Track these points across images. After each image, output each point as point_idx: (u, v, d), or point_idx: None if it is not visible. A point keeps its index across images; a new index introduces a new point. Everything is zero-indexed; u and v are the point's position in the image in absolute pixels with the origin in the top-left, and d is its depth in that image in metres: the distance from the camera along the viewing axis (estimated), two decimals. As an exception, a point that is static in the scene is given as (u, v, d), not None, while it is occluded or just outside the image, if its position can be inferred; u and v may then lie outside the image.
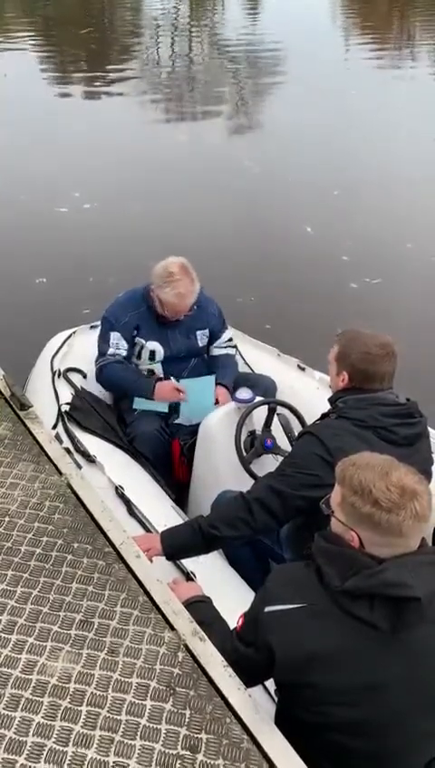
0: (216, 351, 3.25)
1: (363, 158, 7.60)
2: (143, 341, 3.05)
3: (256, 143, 8.50)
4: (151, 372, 3.10)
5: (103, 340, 3.09)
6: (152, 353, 3.07)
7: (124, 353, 3.06)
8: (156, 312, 3.04)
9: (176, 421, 3.07)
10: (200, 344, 3.16)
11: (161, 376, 3.11)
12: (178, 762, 1.46)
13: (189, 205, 6.47)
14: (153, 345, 3.06)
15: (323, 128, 8.46)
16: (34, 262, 5.54)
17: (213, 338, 3.21)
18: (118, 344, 3.05)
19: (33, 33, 14.40)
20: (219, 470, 2.78)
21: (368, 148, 7.85)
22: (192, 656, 1.67)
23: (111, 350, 3.05)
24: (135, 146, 8.07)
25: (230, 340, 3.29)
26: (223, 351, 3.25)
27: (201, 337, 3.16)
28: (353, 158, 7.68)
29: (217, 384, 3.08)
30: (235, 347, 3.31)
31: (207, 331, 3.16)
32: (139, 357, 3.09)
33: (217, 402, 3.02)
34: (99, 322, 3.36)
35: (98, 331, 3.19)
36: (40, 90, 10.63)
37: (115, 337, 3.05)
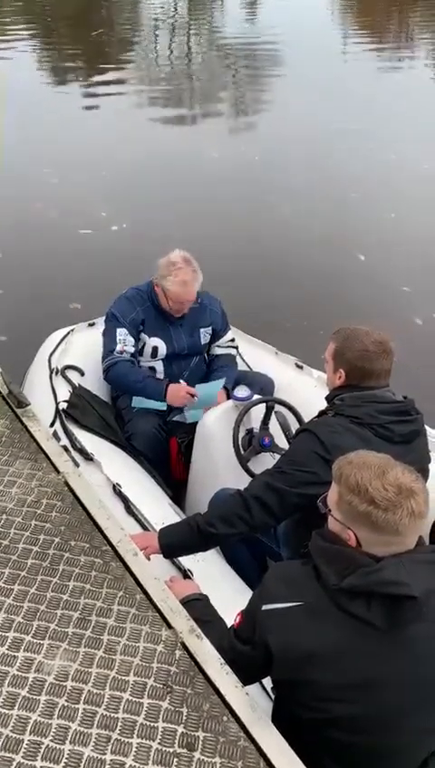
0: (218, 351, 3.24)
1: (420, 171, 7.12)
2: (146, 338, 3.05)
3: (298, 155, 7.75)
4: (152, 369, 3.10)
5: (110, 337, 3.04)
6: (155, 350, 3.06)
7: (132, 350, 3.02)
8: (160, 308, 3.04)
9: (174, 419, 3.07)
10: (203, 342, 3.16)
11: (162, 373, 3.10)
12: (175, 759, 1.46)
13: (231, 233, 5.96)
14: (156, 342, 3.06)
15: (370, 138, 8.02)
16: (68, 286, 5.15)
17: (215, 336, 3.21)
18: (125, 340, 3.00)
19: (41, 36, 14.13)
20: (217, 468, 2.78)
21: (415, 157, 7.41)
22: (189, 654, 1.67)
23: (118, 347, 3.00)
24: (166, 160, 7.59)
25: (232, 340, 3.29)
26: (225, 351, 3.25)
27: (204, 335, 3.15)
28: (407, 172, 7.21)
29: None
30: (236, 347, 3.31)
31: (210, 329, 3.17)
32: (141, 353, 3.08)
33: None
34: (96, 320, 3.36)
35: (95, 329, 3.18)
36: (58, 97, 10.32)
37: (122, 333, 3.00)
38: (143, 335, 3.05)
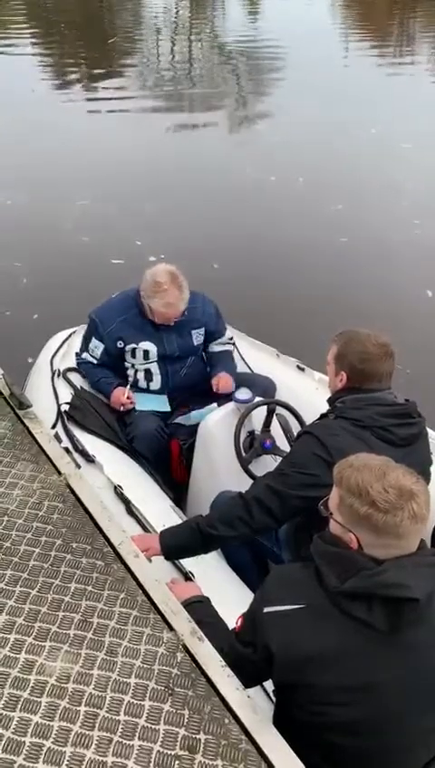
0: (216, 348, 3.25)
1: None
2: (134, 345, 3.06)
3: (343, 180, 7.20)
4: (148, 372, 3.11)
5: (84, 341, 3.18)
6: (146, 353, 3.07)
7: (95, 362, 3.13)
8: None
9: (175, 421, 3.07)
10: (195, 343, 3.16)
11: (158, 375, 3.11)
12: (177, 762, 1.46)
13: (283, 261, 5.57)
14: (146, 345, 3.06)
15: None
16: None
17: (210, 337, 3.21)
18: (94, 351, 3.12)
19: (54, 43, 13.92)
20: (218, 470, 2.78)
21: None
22: (191, 656, 1.66)
23: (84, 354, 3.17)
24: (202, 178, 7.23)
25: (231, 339, 3.30)
26: (222, 348, 3.26)
27: (196, 336, 3.15)
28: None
29: (219, 373, 3.10)
30: (233, 344, 3.32)
31: (202, 329, 3.16)
32: (133, 356, 3.09)
33: (217, 388, 3.05)
34: None
35: None
36: (78, 111, 9.90)
37: (94, 344, 3.12)
38: (131, 344, 3.06)
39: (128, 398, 3.03)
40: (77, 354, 3.21)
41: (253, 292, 5.00)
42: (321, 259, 5.65)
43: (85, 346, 3.16)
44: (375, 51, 13.34)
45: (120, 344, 3.06)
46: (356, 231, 6.07)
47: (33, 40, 14.13)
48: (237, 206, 6.61)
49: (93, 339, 3.11)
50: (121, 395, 3.04)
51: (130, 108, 9.84)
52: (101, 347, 3.09)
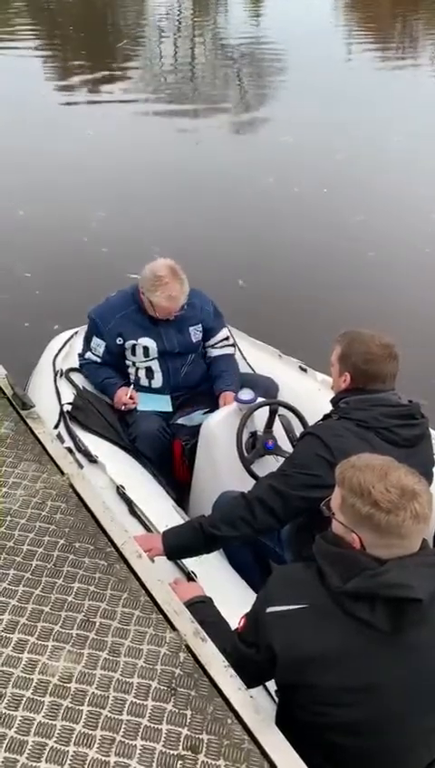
0: (214, 353, 3.23)
1: None
2: (134, 341, 3.06)
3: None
4: (149, 370, 3.11)
5: (86, 341, 3.19)
6: (146, 349, 3.07)
7: (99, 361, 3.13)
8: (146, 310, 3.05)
9: (177, 421, 3.07)
10: (194, 340, 3.15)
11: (159, 372, 3.11)
12: (180, 762, 1.46)
13: (313, 274, 5.37)
14: (146, 342, 3.06)
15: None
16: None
17: (208, 334, 3.19)
18: (96, 350, 3.12)
19: (63, 49, 13.67)
20: (220, 471, 2.78)
21: None
22: (193, 656, 1.67)
23: (87, 354, 3.17)
24: (222, 187, 6.93)
25: (226, 338, 3.26)
26: (221, 352, 3.23)
27: (194, 332, 3.14)
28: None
29: (223, 391, 3.07)
30: (233, 345, 3.29)
31: (200, 326, 3.15)
32: (134, 353, 3.09)
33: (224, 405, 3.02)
34: None
35: None
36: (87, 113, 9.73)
37: (96, 343, 3.12)
38: (130, 341, 3.06)
39: (130, 397, 3.04)
40: (80, 356, 3.21)
41: (281, 310, 4.83)
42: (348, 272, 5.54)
43: (87, 346, 3.17)
44: (390, 53, 13.22)
45: (119, 341, 3.06)
46: (384, 245, 5.90)
47: (39, 42, 14.03)
48: (256, 213, 6.45)
49: (94, 337, 3.12)
50: (124, 395, 3.04)
51: (147, 110, 9.80)
52: (103, 345, 3.09)
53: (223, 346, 3.25)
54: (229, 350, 3.27)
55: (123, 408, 3.03)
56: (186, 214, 6.37)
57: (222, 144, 8.67)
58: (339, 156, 7.70)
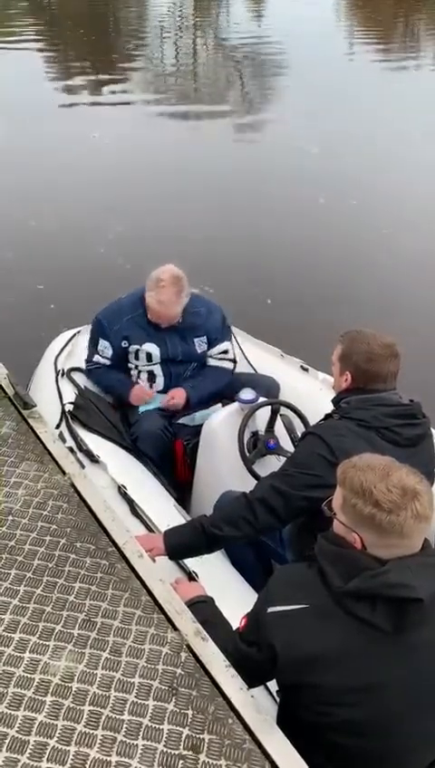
0: (211, 363, 3.19)
1: None
2: (138, 346, 3.06)
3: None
4: (151, 374, 3.11)
5: (92, 344, 3.16)
6: (149, 355, 3.07)
7: (108, 363, 3.12)
8: None
9: (179, 421, 3.07)
10: (199, 350, 3.14)
11: (161, 377, 3.11)
12: (181, 762, 1.46)
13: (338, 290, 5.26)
14: (149, 347, 3.06)
15: None
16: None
17: (210, 344, 3.16)
18: (104, 352, 3.11)
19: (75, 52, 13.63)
20: (222, 470, 2.78)
21: None
22: (195, 656, 1.67)
23: (96, 358, 3.14)
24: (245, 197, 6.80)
25: (226, 352, 3.19)
26: (217, 364, 3.19)
27: (199, 344, 3.13)
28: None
29: (181, 387, 3.08)
30: (233, 361, 3.22)
31: (205, 338, 3.14)
32: (137, 358, 3.09)
33: (171, 397, 3.06)
34: None
35: None
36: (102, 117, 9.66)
37: (103, 345, 3.10)
38: (134, 345, 3.06)
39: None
40: (87, 361, 3.18)
41: (313, 326, 4.62)
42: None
43: (94, 349, 3.14)
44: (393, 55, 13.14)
45: (124, 344, 3.06)
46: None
47: (42, 45, 14.03)
48: (280, 224, 6.35)
49: (101, 340, 3.10)
50: (142, 391, 3.06)
51: (161, 112, 9.75)
52: (110, 346, 3.08)
53: (221, 359, 3.20)
54: (227, 365, 3.20)
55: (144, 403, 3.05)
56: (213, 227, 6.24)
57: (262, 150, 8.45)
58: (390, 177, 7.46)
